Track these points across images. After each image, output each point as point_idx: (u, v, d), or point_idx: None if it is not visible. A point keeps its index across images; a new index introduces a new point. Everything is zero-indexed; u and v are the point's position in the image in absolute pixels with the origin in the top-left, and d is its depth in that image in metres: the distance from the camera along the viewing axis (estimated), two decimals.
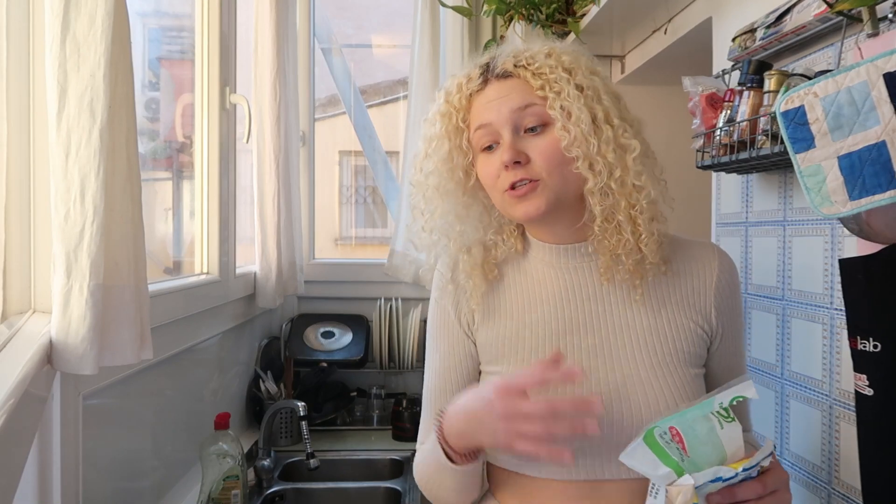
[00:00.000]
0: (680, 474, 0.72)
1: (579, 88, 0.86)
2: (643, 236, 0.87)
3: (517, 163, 0.86)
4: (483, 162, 0.91)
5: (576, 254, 0.93)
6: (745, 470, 0.73)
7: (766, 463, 0.76)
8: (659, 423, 0.75)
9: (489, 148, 0.90)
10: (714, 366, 0.95)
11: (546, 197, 0.87)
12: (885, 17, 0.87)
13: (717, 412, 0.76)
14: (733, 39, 1.22)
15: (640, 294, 0.90)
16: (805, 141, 0.82)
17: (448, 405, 0.88)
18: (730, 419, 0.76)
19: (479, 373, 0.98)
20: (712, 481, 0.72)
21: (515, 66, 0.89)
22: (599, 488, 0.86)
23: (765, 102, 1.06)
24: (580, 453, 0.84)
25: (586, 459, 0.86)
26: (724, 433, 0.75)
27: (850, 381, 0.91)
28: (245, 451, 1.62)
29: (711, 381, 0.94)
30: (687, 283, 0.93)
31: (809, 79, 0.90)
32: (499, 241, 0.97)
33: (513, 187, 0.87)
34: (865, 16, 0.88)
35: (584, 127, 0.84)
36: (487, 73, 0.91)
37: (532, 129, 0.88)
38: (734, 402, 0.77)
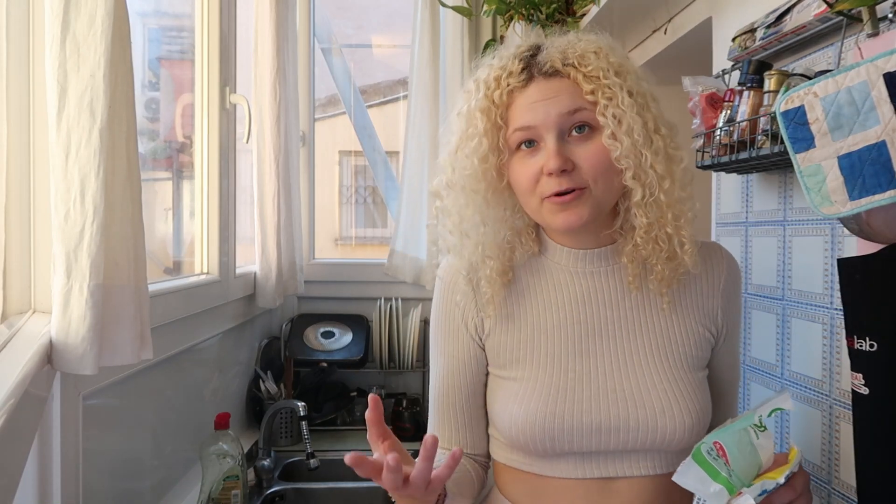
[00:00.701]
0: (730, 490, 0.74)
1: (630, 94, 0.82)
2: (686, 247, 0.85)
3: (565, 170, 0.80)
4: (520, 164, 0.85)
5: (596, 259, 0.91)
6: (785, 478, 0.76)
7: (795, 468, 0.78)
8: (705, 440, 0.77)
9: (526, 145, 0.84)
10: (714, 364, 0.95)
11: (590, 206, 0.82)
12: (885, 17, 0.87)
13: (755, 424, 0.79)
14: (733, 39, 1.22)
15: (666, 302, 0.88)
16: (805, 141, 0.82)
17: (453, 408, 0.92)
18: (762, 428, 0.79)
19: (487, 375, 0.96)
20: (759, 494, 0.74)
21: (564, 64, 0.82)
22: (610, 486, 0.87)
23: (765, 102, 1.06)
24: (593, 454, 0.85)
25: (598, 459, 0.86)
26: (760, 443, 0.78)
27: (850, 381, 0.91)
28: (245, 451, 1.62)
29: (709, 379, 0.94)
30: (697, 286, 0.91)
31: (809, 79, 0.90)
32: (516, 243, 0.92)
33: (553, 195, 0.82)
34: (865, 16, 0.88)
35: (636, 137, 0.80)
36: (532, 69, 0.84)
37: (579, 131, 0.82)
38: (772, 415, 0.80)
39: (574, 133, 0.83)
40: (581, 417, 0.85)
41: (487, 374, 0.96)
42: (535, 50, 0.86)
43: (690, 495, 0.77)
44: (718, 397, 0.95)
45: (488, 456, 0.98)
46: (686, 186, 0.85)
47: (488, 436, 0.98)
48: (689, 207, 0.85)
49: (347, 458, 0.73)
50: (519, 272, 0.94)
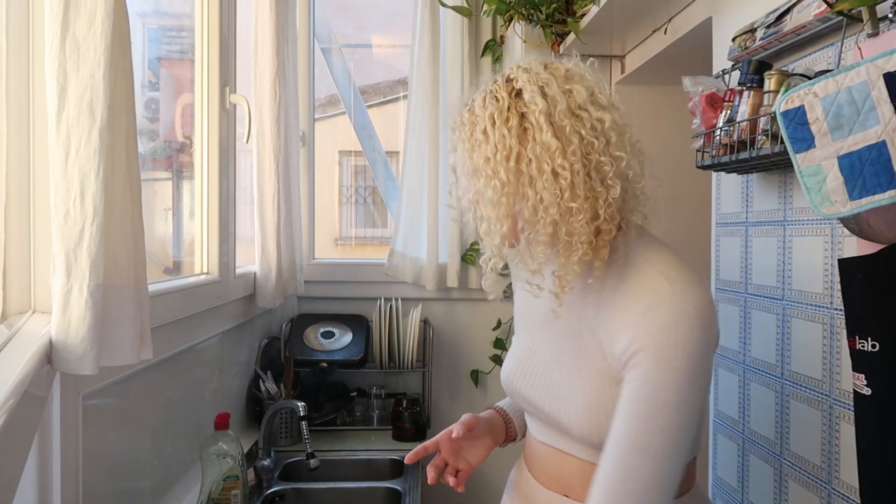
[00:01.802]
0: None
1: (472, 142, 0.92)
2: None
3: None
4: None
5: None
6: None
7: None
8: None
9: None
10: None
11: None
12: (885, 17, 0.87)
13: None
14: (733, 39, 1.22)
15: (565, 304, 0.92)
16: (805, 141, 0.82)
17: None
18: None
19: None
20: None
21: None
22: (563, 457, 0.97)
23: (765, 102, 1.06)
24: (537, 419, 1.01)
25: (540, 425, 1.01)
26: None
27: (850, 381, 0.91)
28: (245, 451, 1.62)
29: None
30: (617, 309, 0.89)
31: (809, 79, 0.90)
32: None
33: None
34: (865, 16, 0.88)
35: (462, 183, 0.98)
36: None
37: None
38: None
39: None
40: (521, 384, 1.00)
41: None
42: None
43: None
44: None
45: None
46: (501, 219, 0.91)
47: None
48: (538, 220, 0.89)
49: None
50: None
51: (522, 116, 0.87)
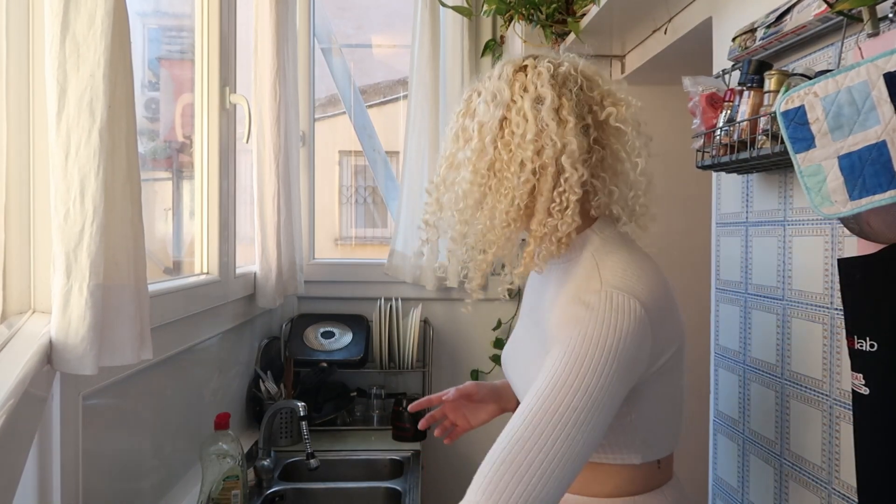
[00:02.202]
0: None
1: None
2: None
3: None
4: None
5: None
6: None
7: None
8: None
9: None
10: None
11: None
12: (886, 17, 0.87)
13: None
14: (733, 39, 1.22)
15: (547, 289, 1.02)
16: (805, 141, 0.82)
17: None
18: None
19: None
20: None
21: None
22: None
23: (765, 102, 1.06)
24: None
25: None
26: None
27: (850, 381, 0.91)
28: (245, 451, 1.62)
29: None
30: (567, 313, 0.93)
31: (810, 79, 0.90)
32: None
33: None
34: (866, 16, 0.88)
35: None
36: None
37: None
38: None
39: None
40: (506, 365, 1.10)
41: None
42: None
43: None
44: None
45: None
46: (484, 211, 0.97)
47: None
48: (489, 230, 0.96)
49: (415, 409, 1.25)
50: None
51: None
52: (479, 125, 0.93)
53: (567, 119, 0.90)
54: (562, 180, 0.90)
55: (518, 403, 1.15)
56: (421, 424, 1.22)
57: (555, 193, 0.90)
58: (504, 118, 0.92)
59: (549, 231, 0.92)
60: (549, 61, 0.94)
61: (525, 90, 0.92)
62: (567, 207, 0.90)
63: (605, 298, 0.86)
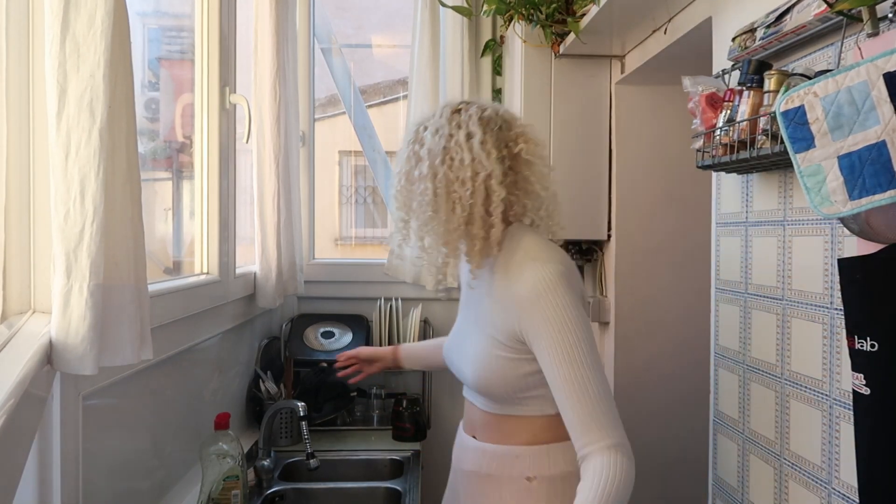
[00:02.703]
0: None
1: (408, 157, 1.24)
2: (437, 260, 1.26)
3: None
4: None
5: None
6: None
7: None
8: None
9: None
10: (539, 362, 1.14)
11: None
12: (885, 17, 0.87)
13: None
14: (733, 39, 1.22)
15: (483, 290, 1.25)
16: (805, 141, 0.82)
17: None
18: None
19: None
20: None
21: None
22: (471, 406, 1.31)
23: (765, 102, 1.06)
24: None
25: (465, 388, 1.33)
26: None
27: (850, 381, 0.91)
28: (245, 451, 1.62)
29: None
30: (507, 293, 1.17)
31: (809, 79, 0.90)
32: None
33: None
34: (865, 16, 0.88)
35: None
36: None
37: None
38: None
39: None
40: (447, 353, 1.37)
41: None
42: None
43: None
44: (551, 385, 1.13)
45: None
46: (441, 220, 1.20)
47: None
48: (449, 230, 1.19)
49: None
50: None
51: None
52: (428, 150, 1.18)
53: (490, 151, 1.17)
54: (492, 196, 1.16)
55: (418, 360, 1.71)
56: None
57: (488, 205, 1.17)
58: (445, 147, 1.17)
59: (486, 233, 1.17)
60: (477, 106, 1.21)
61: (459, 127, 1.18)
62: (495, 216, 1.17)
63: (541, 270, 1.13)
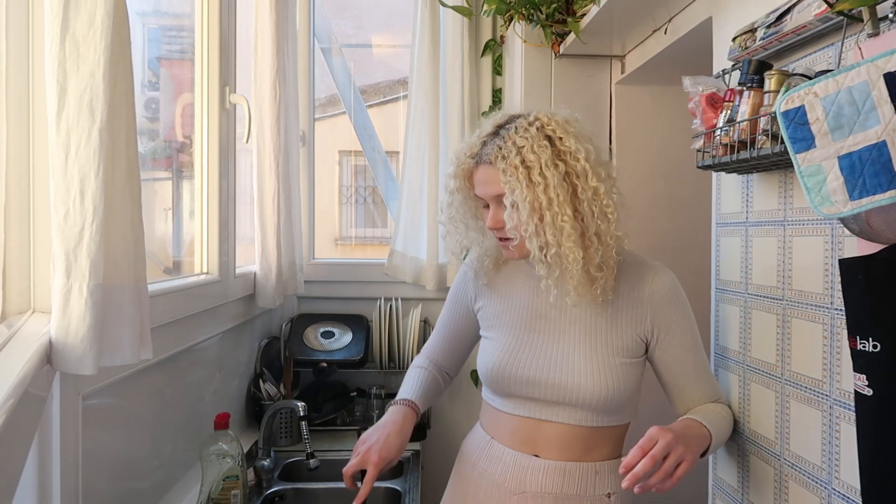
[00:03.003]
0: None
1: (532, 184, 1.14)
2: (600, 273, 1.19)
3: (496, 227, 1.22)
4: (484, 212, 1.26)
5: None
6: None
7: None
8: None
9: (485, 206, 1.25)
10: (660, 357, 1.26)
11: (518, 248, 1.22)
12: (886, 17, 0.87)
13: None
14: (733, 39, 1.22)
15: (599, 304, 1.22)
16: (805, 141, 0.82)
17: (444, 337, 1.48)
18: None
19: (480, 338, 1.40)
20: None
21: (496, 157, 1.18)
22: (539, 425, 1.25)
23: (765, 102, 1.05)
24: (529, 399, 1.25)
25: (532, 404, 1.25)
26: None
27: (851, 382, 0.91)
28: (245, 451, 1.62)
29: (660, 367, 1.27)
30: (629, 296, 1.24)
31: (810, 79, 0.90)
32: (499, 253, 1.33)
33: (499, 238, 1.24)
34: (866, 16, 0.88)
35: (524, 215, 1.15)
36: (479, 156, 1.21)
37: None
38: None
39: (503, 203, 1.19)
40: (520, 370, 1.24)
41: (479, 336, 1.40)
42: (495, 133, 1.21)
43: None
44: (673, 382, 1.27)
45: (453, 372, 1.51)
46: (571, 240, 1.16)
47: (459, 362, 1.52)
48: (573, 257, 1.15)
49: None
50: (504, 268, 1.36)
51: (565, 163, 1.16)
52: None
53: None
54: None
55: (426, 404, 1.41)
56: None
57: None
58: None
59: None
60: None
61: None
62: None
63: (667, 275, 1.27)
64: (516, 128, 1.18)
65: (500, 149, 1.17)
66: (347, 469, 1.23)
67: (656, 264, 1.28)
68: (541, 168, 1.14)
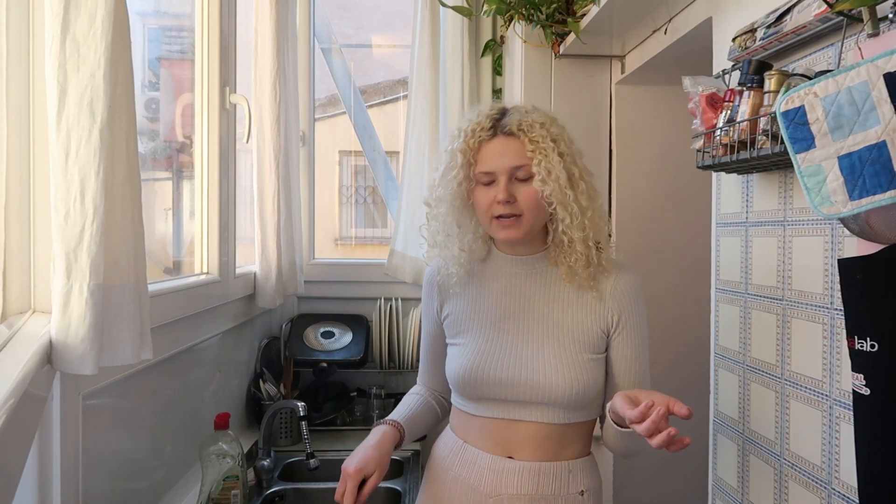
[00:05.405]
0: None
1: (560, 155, 1.16)
2: (603, 254, 1.23)
3: (508, 202, 1.17)
4: (481, 192, 1.21)
5: (525, 263, 1.28)
6: None
7: None
8: None
9: (487, 183, 1.20)
10: (614, 350, 1.24)
11: (523, 228, 1.19)
12: (886, 17, 0.87)
13: None
14: (733, 39, 1.22)
15: (571, 297, 1.24)
16: (805, 141, 0.82)
17: (428, 358, 1.42)
18: None
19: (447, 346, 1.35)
20: None
21: (518, 129, 1.17)
22: (513, 426, 1.23)
23: (765, 102, 1.06)
24: (502, 400, 1.23)
25: (505, 405, 1.23)
26: None
27: (850, 381, 0.91)
28: (245, 451, 1.62)
29: (609, 366, 1.25)
30: (595, 292, 1.24)
31: (810, 79, 0.90)
32: (476, 246, 1.29)
33: (499, 217, 1.18)
34: (866, 16, 0.88)
35: (561, 183, 1.15)
36: (497, 127, 1.19)
37: (521, 177, 1.18)
38: None
39: (518, 176, 1.18)
40: (492, 373, 1.22)
41: (447, 344, 1.35)
42: (502, 113, 1.21)
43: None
44: (611, 381, 1.25)
45: (447, 393, 1.39)
46: (604, 216, 1.24)
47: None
48: (606, 229, 1.23)
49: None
50: (474, 269, 1.31)
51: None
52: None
53: None
54: None
55: (411, 428, 1.35)
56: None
57: None
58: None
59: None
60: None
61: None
62: None
63: (632, 273, 1.28)
64: (526, 111, 1.21)
65: (521, 122, 1.18)
66: (337, 494, 1.26)
67: (623, 263, 1.29)
68: (566, 142, 1.19)
